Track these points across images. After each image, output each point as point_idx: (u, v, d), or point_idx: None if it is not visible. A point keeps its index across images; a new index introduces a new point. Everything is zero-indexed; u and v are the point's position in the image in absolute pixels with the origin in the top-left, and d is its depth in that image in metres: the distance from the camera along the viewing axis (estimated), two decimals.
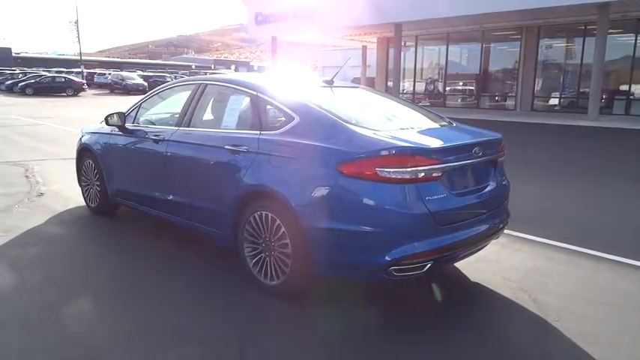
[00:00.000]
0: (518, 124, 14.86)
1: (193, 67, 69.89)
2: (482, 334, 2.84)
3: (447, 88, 23.70)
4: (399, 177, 2.71)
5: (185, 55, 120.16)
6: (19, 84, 31.70)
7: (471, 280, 3.54)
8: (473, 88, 22.93)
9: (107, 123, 4.46)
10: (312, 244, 2.89)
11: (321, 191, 2.84)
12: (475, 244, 3.13)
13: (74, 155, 5.28)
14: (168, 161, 3.91)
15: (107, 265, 3.77)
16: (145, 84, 34.52)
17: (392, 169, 2.70)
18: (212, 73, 31.65)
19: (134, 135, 4.36)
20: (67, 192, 5.76)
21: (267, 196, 3.14)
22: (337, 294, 3.14)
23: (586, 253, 4.03)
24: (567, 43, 20.01)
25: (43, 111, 18.83)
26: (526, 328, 2.90)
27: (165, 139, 3.93)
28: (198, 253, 3.94)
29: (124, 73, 39.82)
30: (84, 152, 5.05)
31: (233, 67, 73.52)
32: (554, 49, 20.20)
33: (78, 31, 43.24)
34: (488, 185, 3.24)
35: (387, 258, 2.69)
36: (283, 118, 3.25)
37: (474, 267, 3.68)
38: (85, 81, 35.56)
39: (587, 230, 4.77)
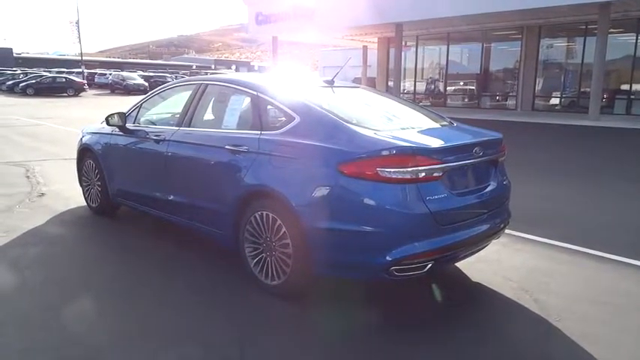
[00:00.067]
0: (519, 124, 14.84)
1: (194, 67, 69.94)
2: (483, 334, 2.83)
3: (448, 88, 23.69)
4: (400, 177, 2.71)
5: (186, 55, 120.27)
6: (20, 84, 31.74)
7: (472, 280, 3.53)
8: (473, 87, 22.90)
9: (108, 123, 4.47)
10: (312, 244, 2.89)
11: (321, 191, 2.84)
12: (476, 244, 3.13)
13: (75, 155, 5.28)
14: (168, 161, 3.91)
15: (108, 265, 3.78)
16: (146, 84, 34.56)
17: (393, 169, 2.70)
18: (213, 73, 31.67)
19: (135, 135, 4.36)
20: (67, 192, 5.76)
21: (267, 196, 3.14)
22: (337, 294, 3.14)
23: (587, 253, 4.02)
24: (568, 42, 19.98)
25: (44, 111, 18.84)
26: (527, 328, 2.89)
27: (166, 139, 3.93)
28: (199, 253, 3.94)
29: (125, 74, 39.83)
30: (85, 152, 5.06)
31: (234, 67, 73.51)
32: (554, 48, 20.17)
33: (79, 31, 43.20)
34: (489, 185, 3.24)
35: (387, 258, 2.69)
36: (284, 118, 3.25)
37: (475, 267, 3.67)
38: (85, 81, 35.60)
39: (587, 230, 4.77)
